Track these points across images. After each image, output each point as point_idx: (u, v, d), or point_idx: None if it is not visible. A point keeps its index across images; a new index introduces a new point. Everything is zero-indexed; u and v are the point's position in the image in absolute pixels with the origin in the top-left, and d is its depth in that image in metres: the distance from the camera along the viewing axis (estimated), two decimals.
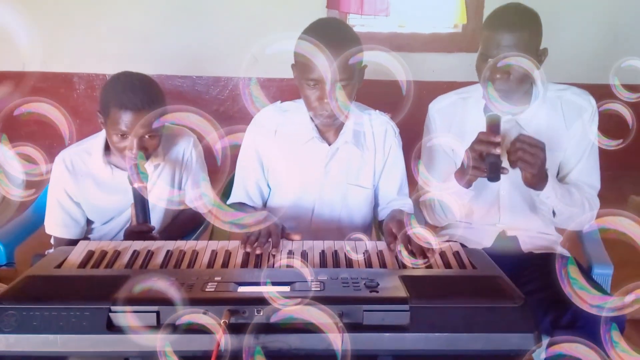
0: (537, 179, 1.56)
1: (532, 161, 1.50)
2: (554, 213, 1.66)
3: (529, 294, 1.14)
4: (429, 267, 1.31)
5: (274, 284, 1.14)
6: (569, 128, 1.71)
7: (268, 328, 1.06)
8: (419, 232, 1.33)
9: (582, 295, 1.04)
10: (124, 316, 1.05)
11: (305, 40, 1.53)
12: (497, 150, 1.51)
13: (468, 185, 1.61)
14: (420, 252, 1.32)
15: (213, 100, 4.27)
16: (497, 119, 1.57)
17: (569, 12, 3.91)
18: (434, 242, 1.33)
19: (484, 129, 1.57)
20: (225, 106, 4.28)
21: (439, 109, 1.83)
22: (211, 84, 4.29)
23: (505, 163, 1.53)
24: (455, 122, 1.80)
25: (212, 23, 4.09)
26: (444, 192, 1.70)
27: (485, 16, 1.72)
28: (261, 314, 1.06)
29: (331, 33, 1.53)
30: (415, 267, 1.21)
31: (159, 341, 0.99)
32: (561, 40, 2.66)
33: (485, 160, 1.53)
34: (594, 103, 1.69)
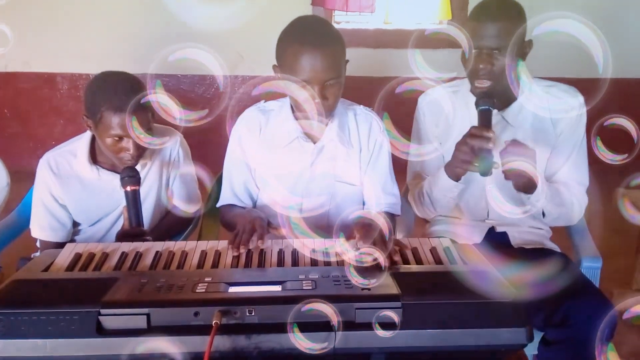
0: (527, 185, 1.55)
1: (523, 170, 1.48)
2: (543, 214, 1.67)
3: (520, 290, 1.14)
4: (420, 262, 1.31)
5: (265, 283, 1.14)
6: (555, 125, 1.71)
7: (260, 328, 1.05)
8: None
9: None
10: (114, 319, 1.04)
11: (289, 41, 1.52)
12: (490, 145, 1.50)
13: (457, 178, 1.62)
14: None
15: (198, 99, 4.25)
16: (489, 113, 1.56)
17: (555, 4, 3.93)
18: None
19: (471, 122, 1.57)
20: (211, 104, 4.25)
21: (428, 101, 1.83)
22: (196, 82, 4.27)
23: (496, 157, 1.53)
24: (444, 115, 1.80)
25: (196, 21, 4.06)
26: (433, 184, 1.70)
27: (470, 11, 1.73)
28: (253, 314, 1.06)
29: (316, 32, 1.52)
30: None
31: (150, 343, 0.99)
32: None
33: (476, 155, 1.52)
34: (581, 100, 1.69)
